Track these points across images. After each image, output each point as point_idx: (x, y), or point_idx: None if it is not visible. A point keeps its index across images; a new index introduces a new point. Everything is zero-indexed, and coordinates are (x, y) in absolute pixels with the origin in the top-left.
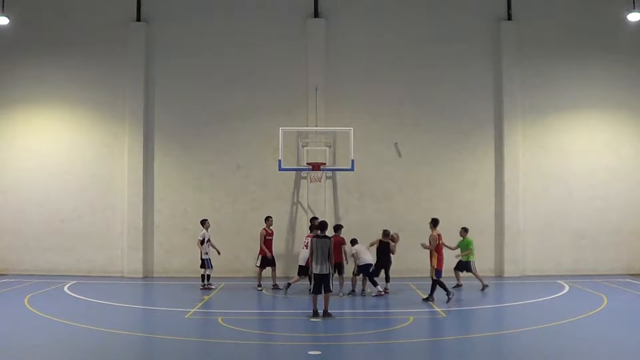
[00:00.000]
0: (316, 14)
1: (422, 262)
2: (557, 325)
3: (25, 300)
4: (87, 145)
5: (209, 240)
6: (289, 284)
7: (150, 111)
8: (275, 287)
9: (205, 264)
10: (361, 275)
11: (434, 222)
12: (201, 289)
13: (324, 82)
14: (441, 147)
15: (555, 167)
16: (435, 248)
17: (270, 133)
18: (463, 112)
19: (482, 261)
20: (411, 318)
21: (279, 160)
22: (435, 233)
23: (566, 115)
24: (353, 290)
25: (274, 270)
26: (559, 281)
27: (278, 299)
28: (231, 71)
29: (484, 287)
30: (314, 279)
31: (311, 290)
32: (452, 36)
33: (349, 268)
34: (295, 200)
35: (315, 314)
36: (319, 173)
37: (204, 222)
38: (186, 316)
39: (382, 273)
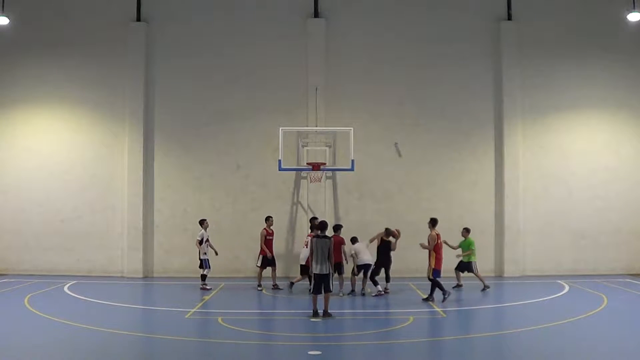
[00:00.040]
0: (316, 14)
1: (422, 262)
2: (557, 325)
3: (25, 300)
4: (87, 145)
5: (207, 241)
6: (292, 283)
7: (150, 111)
8: (276, 287)
9: (203, 264)
10: (361, 275)
11: (433, 222)
12: (201, 288)
13: (324, 82)
14: (441, 147)
15: (555, 167)
16: (434, 248)
17: (270, 133)
18: (463, 112)
19: (482, 261)
20: (411, 318)
21: (279, 160)
22: (433, 233)
23: (566, 115)
24: (353, 290)
25: (274, 270)
26: (559, 281)
27: (278, 299)
28: (231, 71)
29: (485, 287)
30: (314, 279)
31: (311, 290)
32: (452, 36)
33: (348, 268)
34: (295, 200)
35: (315, 314)
36: (319, 173)
37: (202, 222)
38: (186, 316)
39: (382, 273)
